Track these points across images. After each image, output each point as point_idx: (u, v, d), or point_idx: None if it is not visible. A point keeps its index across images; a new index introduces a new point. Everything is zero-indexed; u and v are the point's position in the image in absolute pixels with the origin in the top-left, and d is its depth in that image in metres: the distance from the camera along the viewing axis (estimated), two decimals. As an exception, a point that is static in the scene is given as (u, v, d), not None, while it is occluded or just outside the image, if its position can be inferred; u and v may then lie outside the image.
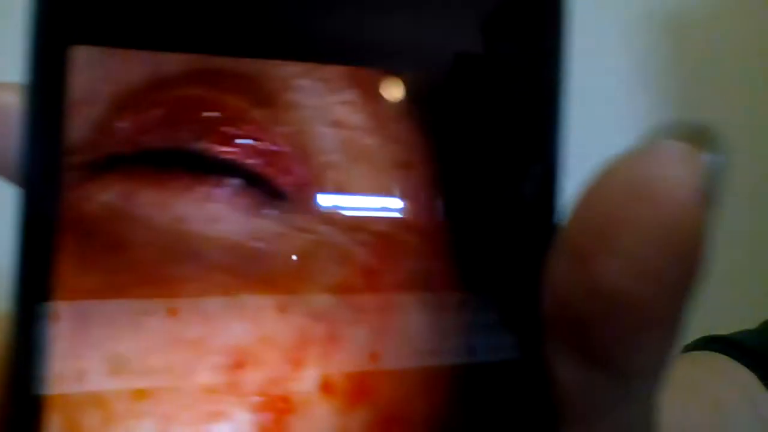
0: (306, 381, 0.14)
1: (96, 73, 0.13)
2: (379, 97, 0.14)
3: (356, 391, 0.14)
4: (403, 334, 0.15)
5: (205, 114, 0.14)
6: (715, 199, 0.13)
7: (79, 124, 0.13)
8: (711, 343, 0.49)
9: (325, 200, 0.14)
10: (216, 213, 0.14)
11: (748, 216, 0.78)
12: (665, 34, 0.74)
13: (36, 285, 0.12)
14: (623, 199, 0.13)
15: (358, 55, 0.14)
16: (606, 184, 0.13)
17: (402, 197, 0.15)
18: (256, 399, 0.14)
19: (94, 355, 0.13)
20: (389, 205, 0.15)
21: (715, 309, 0.70)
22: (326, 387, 0.14)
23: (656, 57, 0.74)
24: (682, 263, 0.13)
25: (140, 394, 0.13)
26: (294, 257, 0.14)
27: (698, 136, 0.13)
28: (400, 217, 0.14)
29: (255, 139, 0.14)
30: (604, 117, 0.73)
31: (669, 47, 0.75)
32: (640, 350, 0.13)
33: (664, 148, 0.13)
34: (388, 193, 0.14)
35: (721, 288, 0.74)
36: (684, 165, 0.13)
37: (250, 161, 0.14)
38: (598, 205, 0.13)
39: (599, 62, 0.72)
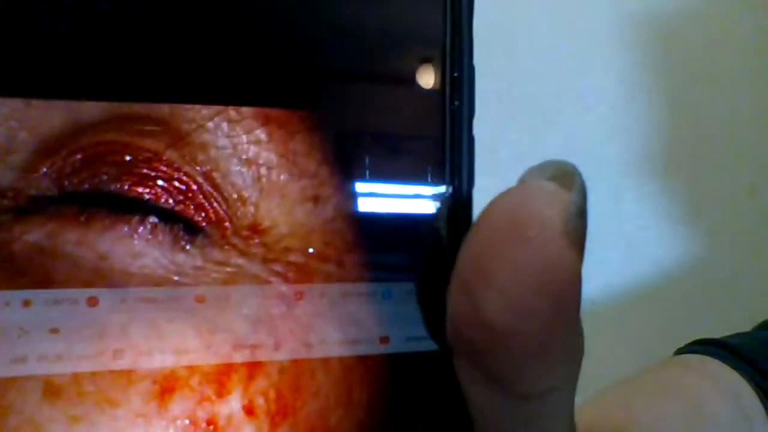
0: (230, 404, 0.15)
1: (18, 123, 0.14)
2: (289, 134, 0.15)
3: (278, 411, 0.15)
4: (323, 346, 0.15)
5: (123, 157, 0.15)
6: (582, 235, 0.14)
7: (4, 170, 0.14)
8: (701, 346, 0.49)
9: (240, 234, 0.15)
10: (137, 249, 0.15)
11: (746, 218, 0.77)
12: (658, 35, 0.74)
13: None
14: (497, 238, 0.13)
15: (266, 96, 0.15)
16: (484, 222, 0.14)
17: (313, 228, 0.15)
18: (185, 422, 0.15)
19: (28, 381, 0.14)
20: (302, 237, 0.15)
21: (713, 312, 0.70)
22: (249, 409, 0.15)
23: (650, 57, 0.74)
24: (553, 299, 0.13)
25: (75, 419, 0.14)
26: (214, 288, 0.15)
27: (563, 176, 0.14)
28: (312, 249, 0.15)
29: (170, 179, 0.15)
30: (600, 116, 0.73)
31: (662, 47, 0.75)
32: (528, 376, 0.14)
33: (532, 189, 0.14)
34: (299, 226, 0.15)
35: (719, 291, 0.74)
36: (550, 205, 0.13)
37: (166, 200, 0.15)
38: (478, 241, 0.14)
39: (595, 62, 0.73)
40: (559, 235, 0.13)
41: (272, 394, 0.15)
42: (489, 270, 0.13)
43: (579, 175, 0.14)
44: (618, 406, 0.39)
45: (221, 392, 0.15)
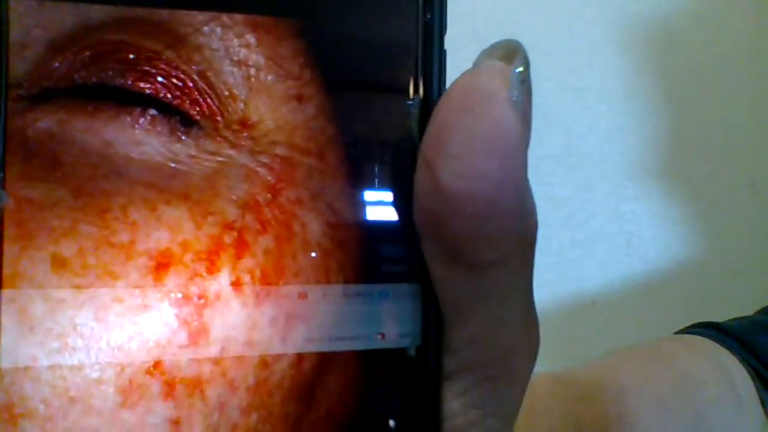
0: (219, 280, 0.17)
1: (33, 21, 0.16)
2: (276, 39, 0.17)
3: (263, 287, 0.17)
4: (302, 239, 0.17)
5: (127, 55, 0.16)
6: (525, 101, 0.15)
7: (20, 63, 0.16)
8: (698, 328, 0.50)
9: (231, 128, 0.17)
10: (138, 138, 0.16)
11: (746, 218, 0.78)
12: (658, 35, 0.75)
13: None
14: (451, 113, 0.15)
15: (256, 4, 0.17)
16: (441, 104, 0.16)
17: (296, 124, 0.17)
18: (177, 295, 0.16)
19: (37, 254, 0.16)
20: (287, 132, 0.17)
21: (713, 311, 0.71)
22: (237, 285, 0.17)
23: (650, 57, 0.76)
24: (500, 159, 0.15)
25: (79, 289, 0.16)
26: (205, 175, 0.17)
27: (508, 54, 0.16)
28: (296, 142, 0.17)
29: (169, 76, 0.16)
30: (600, 116, 0.75)
31: (662, 47, 0.76)
32: (481, 241, 0.16)
33: (483, 66, 0.16)
34: (284, 122, 0.17)
35: (719, 291, 0.74)
36: (497, 78, 0.15)
37: (165, 95, 0.16)
38: (438, 116, 0.16)
39: (595, 62, 0.74)
40: (503, 101, 0.15)
41: (258, 273, 0.17)
42: (444, 141, 0.15)
43: (522, 49, 0.16)
44: (607, 368, 0.41)
45: (211, 270, 0.17)
